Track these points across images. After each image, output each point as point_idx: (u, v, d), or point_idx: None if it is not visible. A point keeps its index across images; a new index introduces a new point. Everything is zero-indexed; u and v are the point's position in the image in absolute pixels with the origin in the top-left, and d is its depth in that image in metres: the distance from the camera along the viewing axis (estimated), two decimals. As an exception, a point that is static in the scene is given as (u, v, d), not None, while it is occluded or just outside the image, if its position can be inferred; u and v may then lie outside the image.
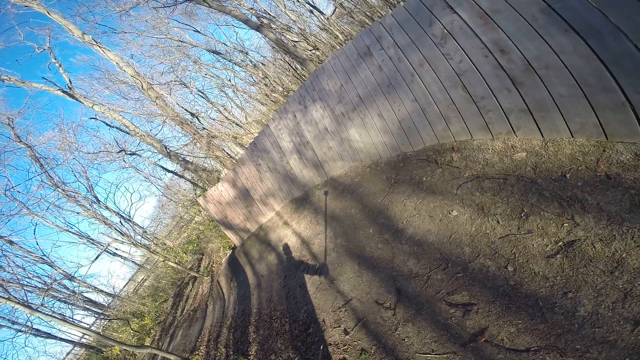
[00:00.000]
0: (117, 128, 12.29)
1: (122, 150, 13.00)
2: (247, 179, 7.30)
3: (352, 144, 4.65)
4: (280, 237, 5.98)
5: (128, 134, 12.01)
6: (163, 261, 11.22)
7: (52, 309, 10.21)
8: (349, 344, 2.83)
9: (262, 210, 7.45)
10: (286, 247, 5.44)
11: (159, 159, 14.41)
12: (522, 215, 2.33)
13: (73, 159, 12.40)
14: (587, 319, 1.70)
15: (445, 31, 2.85)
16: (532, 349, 1.79)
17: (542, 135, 2.59)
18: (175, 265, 10.96)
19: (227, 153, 11.69)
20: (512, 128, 2.77)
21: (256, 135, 9.68)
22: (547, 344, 1.76)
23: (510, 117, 2.74)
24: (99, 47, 9.43)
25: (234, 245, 8.79)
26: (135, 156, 13.74)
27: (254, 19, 11.24)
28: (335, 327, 3.11)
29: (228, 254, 8.82)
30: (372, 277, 3.17)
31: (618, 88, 2.06)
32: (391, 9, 11.37)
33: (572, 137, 2.40)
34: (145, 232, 13.88)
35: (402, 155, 3.99)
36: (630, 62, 1.95)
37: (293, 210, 6.14)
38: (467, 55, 2.78)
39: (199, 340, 6.30)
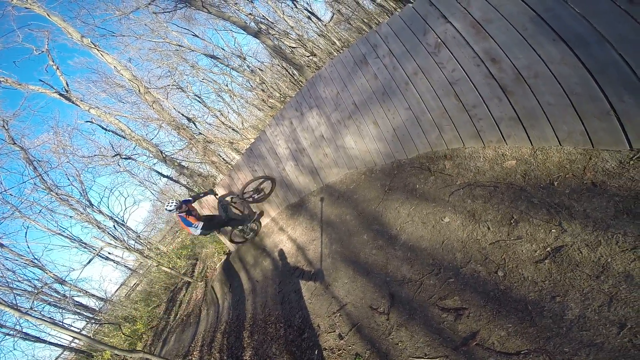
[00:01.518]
0: (112, 132, 12.26)
1: (117, 154, 12.95)
2: (243, 185, 7.33)
3: (348, 151, 4.70)
4: (275, 243, 5.98)
5: (124, 138, 11.98)
6: (157, 266, 11.14)
7: (41, 312, 10.07)
8: (343, 349, 2.85)
9: (257, 215, 7.46)
10: (281, 252, 5.45)
11: (154, 164, 14.38)
12: (512, 221, 2.39)
13: (67, 162, 12.34)
14: (574, 322, 1.74)
15: (439, 40, 2.92)
16: (522, 352, 1.83)
17: (531, 143, 2.65)
18: (168, 270, 10.88)
19: (222, 158, 11.70)
20: (503, 136, 2.83)
21: (252, 141, 9.68)
22: (536, 347, 1.80)
23: (501, 126, 2.80)
24: (97, 50, 9.44)
25: (229, 250, 8.77)
26: (130, 160, 13.69)
27: (253, 24, 11.34)
28: (330, 332, 3.13)
29: (223, 260, 8.78)
30: (367, 283, 3.20)
31: (603, 97, 2.13)
32: (388, 16, 11.57)
33: (560, 145, 2.47)
34: (139, 236, 13.79)
35: (396, 163, 4.05)
36: (615, 70, 2.02)
37: (289, 217, 6.16)
38: (459, 64, 2.85)
39: (192, 345, 6.26)
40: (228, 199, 6.37)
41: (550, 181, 2.35)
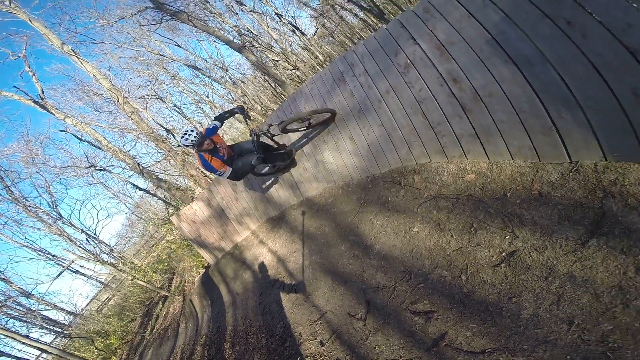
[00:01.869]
0: (88, 142, 11.93)
1: (91, 165, 12.57)
2: (223, 199, 7.26)
3: (327, 166, 4.81)
4: (255, 256, 5.99)
5: (100, 149, 11.68)
6: (132, 279, 10.78)
7: (5, 326, 9.48)
8: (324, 355, 2.93)
9: (237, 229, 7.39)
10: (262, 265, 5.47)
11: (130, 176, 14.01)
12: (472, 229, 2.57)
13: (37, 172, 11.85)
14: (530, 321, 1.88)
15: (408, 61, 3.09)
16: (487, 351, 1.93)
17: (488, 158, 2.84)
18: (144, 284, 10.55)
19: (201, 171, 11.58)
20: (464, 151, 3.02)
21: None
22: (499, 345, 1.90)
23: (462, 142, 2.99)
24: (77, 57, 9.26)
25: (208, 264, 8.64)
26: (104, 172, 13.30)
27: (237, 39, 11.43)
28: (311, 340, 3.20)
29: (201, 273, 8.66)
30: (345, 291, 3.31)
31: (546, 114, 2.32)
32: (370, 31, 11.99)
33: (512, 159, 2.66)
34: (112, 250, 13.32)
35: (370, 177, 4.19)
36: (555, 89, 2.22)
37: (269, 230, 6.20)
38: (426, 84, 3.03)
39: (171, 358, 6.12)
40: (264, 128, 4.63)
41: (504, 192, 2.56)
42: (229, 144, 4.43)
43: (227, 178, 4.05)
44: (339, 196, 4.64)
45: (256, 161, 3.94)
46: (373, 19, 11.30)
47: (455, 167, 3.11)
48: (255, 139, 4.08)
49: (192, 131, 3.62)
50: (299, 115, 3.89)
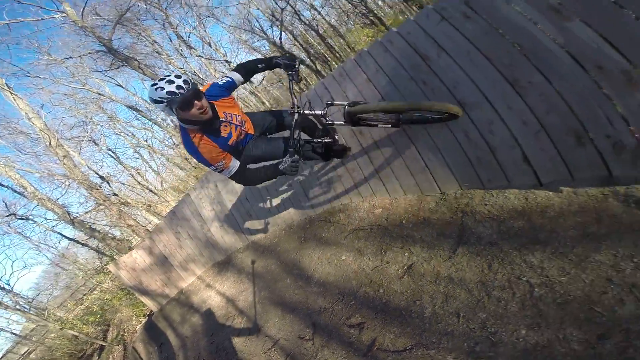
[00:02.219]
0: (9, 188, 10.44)
1: (11, 214, 10.95)
2: (166, 246, 7.12)
3: (270, 210, 5.09)
4: (204, 299, 5.95)
5: (24, 196, 10.27)
6: (61, 329, 9.39)
7: None
8: (281, 377, 3.12)
9: (182, 275, 7.23)
10: (211, 307, 5.48)
11: (55, 225, 12.39)
12: (382, 251, 3.13)
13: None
14: (431, 318, 2.18)
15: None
16: (408, 348, 2.18)
17: (389, 195, 3.46)
18: (76, 334, 9.27)
19: (139, 222, 10.82)
20: (373, 191, 3.67)
21: (173, 204, 9.34)
22: (416, 342, 2.16)
23: (371, 184, 3.63)
24: (10, 92, 8.29)
25: (151, 311, 8.20)
26: (27, 221, 11.64)
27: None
28: (268, 366, 3.36)
29: (144, 321, 8.13)
30: (293, 318, 3.57)
31: (420, 157, 2.93)
32: (317, 78, 12.79)
33: (405, 194, 3.31)
34: (31, 302, 11.49)
35: (308, 218, 4.62)
36: (422, 137, 2.79)
37: (216, 273, 6.21)
38: (342, 136, 3.44)
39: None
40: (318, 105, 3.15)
41: (401, 220, 3.22)
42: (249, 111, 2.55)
43: (230, 178, 2.35)
44: (282, 237, 4.97)
45: (289, 167, 2.19)
46: (319, 65, 12.19)
47: (368, 204, 3.77)
48: (296, 118, 2.25)
49: (177, 77, 1.82)
50: (391, 105, 2.51)
